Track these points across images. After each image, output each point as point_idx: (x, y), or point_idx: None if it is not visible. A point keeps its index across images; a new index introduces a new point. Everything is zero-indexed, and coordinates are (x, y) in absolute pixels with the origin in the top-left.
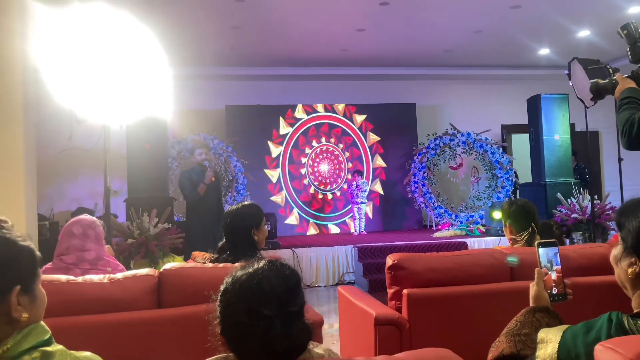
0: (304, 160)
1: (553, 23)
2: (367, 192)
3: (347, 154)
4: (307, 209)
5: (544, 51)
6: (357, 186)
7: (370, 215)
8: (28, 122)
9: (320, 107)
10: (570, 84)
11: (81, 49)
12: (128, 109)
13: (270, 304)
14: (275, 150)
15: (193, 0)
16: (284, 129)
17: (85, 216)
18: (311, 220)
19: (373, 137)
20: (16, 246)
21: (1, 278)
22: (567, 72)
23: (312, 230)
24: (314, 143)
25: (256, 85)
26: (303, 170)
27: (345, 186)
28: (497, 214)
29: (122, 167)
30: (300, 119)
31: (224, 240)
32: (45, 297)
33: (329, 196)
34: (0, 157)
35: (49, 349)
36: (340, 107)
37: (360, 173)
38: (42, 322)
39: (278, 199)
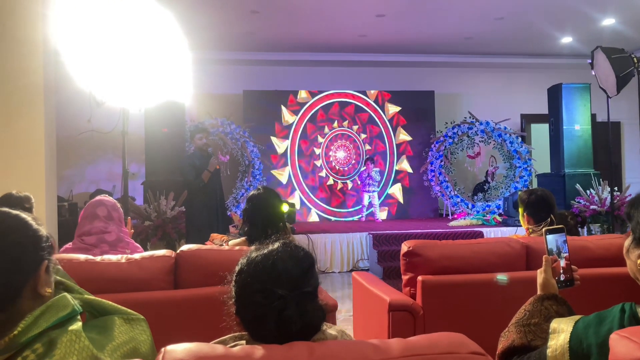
0: (317, 151)
1: (576, 11)
2: (378, 182)
3: (363, 135)
4: (327, 207)
5: (567, 39)
6: (368, 175)
7: (401, 200)
8: (48, 104)
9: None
10: (593, 73)
11: (102, 32)
12: (147, 92)
13: (284, 285)
14: (280, 145)
15: None
16: (289, 117)
17: (107, 197)
18: (333, 219)
19: (392, 108)
20: (38, 226)
21: (34, 251)
22: (590, 61)
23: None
24: (326, 130)
25: (273, 70)
26: (318, 163)
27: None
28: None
29: (140, 150)
30: (304, 104)
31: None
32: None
33: (349, 185)
34: (21, 140)
35: (57, 332)
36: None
37: (373, 160)
38: (66, 295)
39: (284, 178)
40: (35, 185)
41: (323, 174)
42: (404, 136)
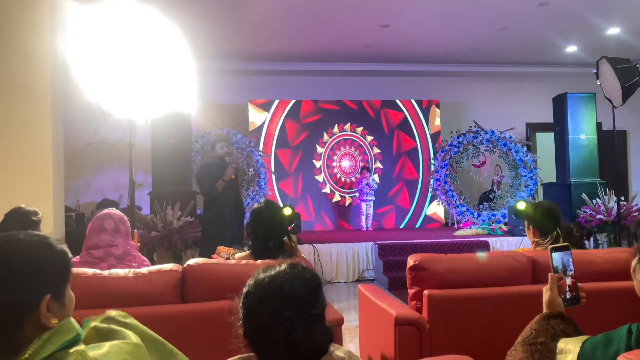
0: (317, 164)
1: (581, 20)
2: (374, 190)
3: (369, 138)
4: (335, 185)
5: (572, 49)
6: (367, 184)
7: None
8: (56, 116)
9: (347, 126)
10: (599, 83)
11: (109, 44)
12: (154, 103)
13: (292, 307)
14: (319, 149)
15: None
16: (326, 137)
17: (114, 210)
18: (336, 193)
19: (375, 150)
20: (52, 250)
21: (32, 287)
22: (595, 71)
23: (337, 197)
24: (325, 137)
25: (279, 80)
26: (320, 178)
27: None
28: (521, 205)
29: (146, 160)
30: (335, 134)
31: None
32: (74, 298)
33: (349, 180)
34: (29, 151)
35: (62, 354)
36: (359, 129)
37: (368, 170)
38: (70, 319)
39: (320, 178)
40: (43, 197)
41: (327, 189)
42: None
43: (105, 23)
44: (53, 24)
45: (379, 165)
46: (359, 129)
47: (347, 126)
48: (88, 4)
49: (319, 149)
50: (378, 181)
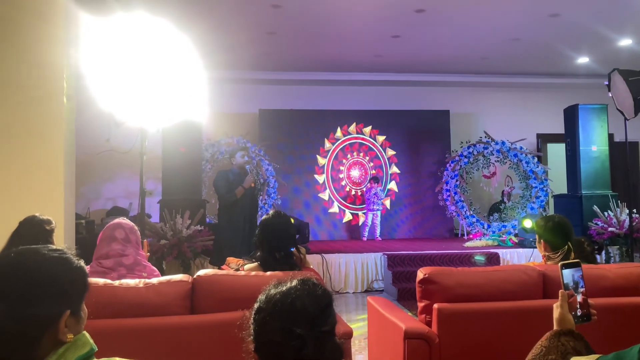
0: (342, 168)
1: (593, 31)
2: (382, 200)
3: (371, 164)
4: (344, 201)
5: (583, 60)
6: (375, 193)
7: (389, 207)
8: (69, 125)
9: (352, 128)
10: (610, 95)
11: (121, 55)
12: (165, 112)
13: (303, 324)
14: (321, 160)
15: (230, 7)
16: (328, 145)
17: (125, 220)
18: (347, 211)
19: (390, 152)
20: (71, 267)
21: (54, 304)
22: (606, 82)
23: (348, 216)
24: (348, 156)
25: (289, 89)
26: (341, 175)
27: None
28: (527, 223)
29: (156, 168)
30: (338, 139)
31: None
32: (87, 312)
33: (359, 192)
34: (41, 161)
35: None
36: (367, 129)
37: (377, 180)
38: (85, 334)
39: (325, 196)
40: (54, 207)
41: (335, 209)
42: (394, 169)
43: (118, 34)
44: (67, 35)
45: (395, 170)
46: (367, 129)
47: (353, 127)
48: (102, 16)
49: (320, 160)
50: (383, 196)
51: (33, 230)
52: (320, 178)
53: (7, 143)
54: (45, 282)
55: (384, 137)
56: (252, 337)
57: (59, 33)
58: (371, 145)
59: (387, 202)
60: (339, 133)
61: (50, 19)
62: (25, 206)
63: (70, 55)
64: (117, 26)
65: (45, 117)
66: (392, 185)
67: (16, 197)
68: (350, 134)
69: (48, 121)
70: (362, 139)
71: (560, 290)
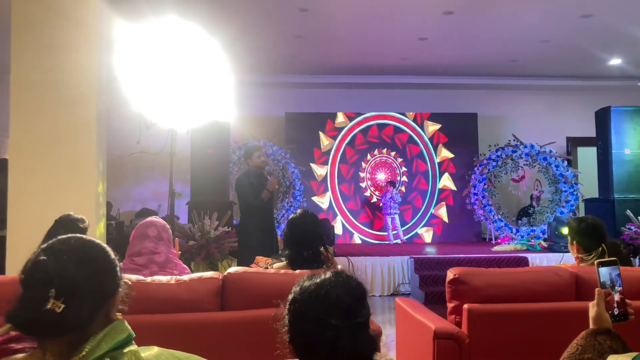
0: (361, 174)
1: (626, 32)
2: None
3: (400, 159)
4: (369, 230)
5: (615, 61)
6: (390, 197)
7: (446, 219)
8: (100, 129)
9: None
10: None
11: (153, 58)
12: (194, 113)
13: (337, 315)
14: (319, 170)
15: (258, 11)
16: (327, 143)
17: (157, 218)
18: (375, 242)
19: (432, 127)
20: (110, 252)
21: (113, 281)
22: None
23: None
24: (368, 157)
25: (315, 93)
26: (362, 184)
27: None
28: (566, 230)
29: (185, 170)
30: (342, 128)
31: (291, 248)
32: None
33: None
34: (74, 163)
35: (117, 353)
36: (411, 114)
37: (393, 184)
38: (123, 321)
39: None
40: (87, 207)
41: (367, 193)
42: (446, 153)
43: (149, 38)
44: (100, 40)
45: (404, 179)
46: (392, 154)
47: (385, 151)
48: (134, 21)
49: (364, 165)
50: (403, 190)
51: (67, 228)
52: (324, 201)
53: (43, 146)
54: (103, 261)
55: (401, 159)
56: (286, 327)
57: (92, 38)
58: (413, 134)
59: (443, 213)
60: (376, 152)
61: (85, 24)
62: (58, 205)
63: (102, 60)
64: (149, 30)
65: (77, 120)
66: (448, 183)
67: (50, 196)
68: (382, 154)
69: (81, 124)
70: (389, 157)
71: (596, 289)
